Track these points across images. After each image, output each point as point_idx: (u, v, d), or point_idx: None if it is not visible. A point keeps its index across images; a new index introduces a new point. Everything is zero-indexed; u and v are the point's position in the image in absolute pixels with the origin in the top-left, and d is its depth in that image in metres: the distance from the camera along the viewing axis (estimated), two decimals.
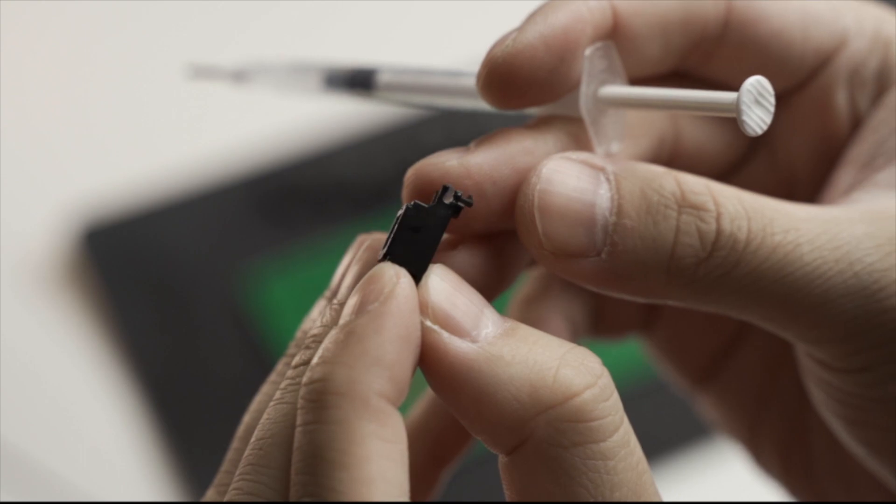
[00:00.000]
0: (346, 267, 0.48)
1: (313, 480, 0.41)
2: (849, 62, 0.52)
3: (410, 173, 0.47)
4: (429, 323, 0.44)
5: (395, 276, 0.43)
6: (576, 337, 0.57)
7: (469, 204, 0.46)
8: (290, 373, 0.45)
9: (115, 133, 1.25)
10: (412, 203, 0.46)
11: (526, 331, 0.44)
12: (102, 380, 1.08)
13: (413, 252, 0.45)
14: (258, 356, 1.08)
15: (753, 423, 0.58)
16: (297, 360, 0.45)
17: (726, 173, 0.55)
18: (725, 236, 0.46)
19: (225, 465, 0.46)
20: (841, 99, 0.52)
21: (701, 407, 0.60)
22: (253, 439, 0.44)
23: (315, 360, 0.42)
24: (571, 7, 0.48)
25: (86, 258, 1.14)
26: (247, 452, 0.43)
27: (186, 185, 1.18)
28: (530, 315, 0.55)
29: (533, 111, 0.50)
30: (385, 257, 0.45)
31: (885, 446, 0.50)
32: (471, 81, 0.50)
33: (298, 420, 0.42)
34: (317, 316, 0.47)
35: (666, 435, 1.02)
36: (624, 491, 0.43)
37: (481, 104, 0.50)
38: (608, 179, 0.47)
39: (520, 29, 0.48)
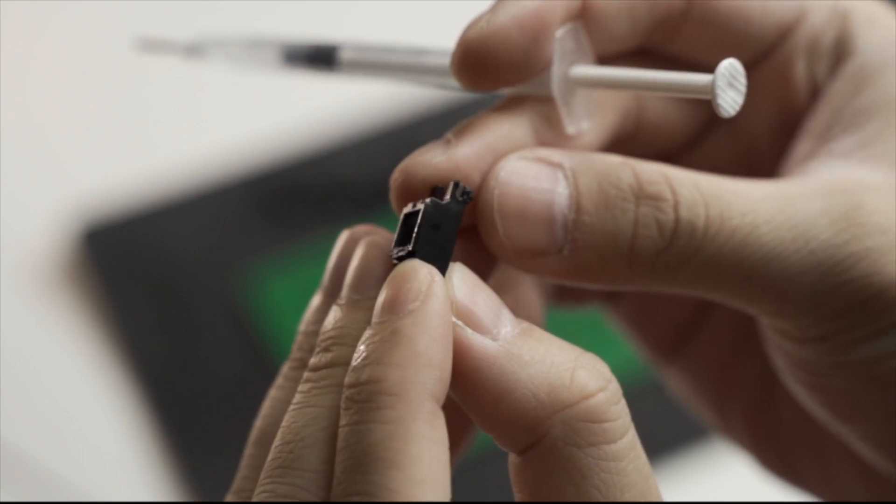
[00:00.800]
0: (338, 261, 0.48)
1: (365, 479, 0.41)
2: (807, 34, 0.52)
3: (398, 174, 0.48)
4: (453, 318, 0.44)
5: (430, 275, 0.44)
6: (545, 304, 0.57)
7: (471, 197, 0.47)
8: (309, 375, 0.44)
9: (115, 133, 1.25)
10: (430, 200, 0.46)
11: (541, 333, 0.45)
12: (102, 380, 1.08)
13: (435, 250, 0.45)
14: (258, 356, 1.08)
15: (721, 395, 0.59)
16: (315, 361, 0.45)
17: (688, 145, 0.55)
18: (684, 225, 0.47)
19: (242, 472, 0.46)
20: (800, 71, 0.53)
21: (668, 379, 0.61)
22: (278, 443, 0.43)
23: (358, 361, 0.42)
24: None
25: (86, 258, 1.14)
26: (272, 456, 0.43)
27: (186, 185, 1.18)
28: (504, 279, 0.55)
29: (504, 91, 0.50)
30: (412, 255, 0.45)
31: (845, 409, 0.52)
32: (436, 59, 0.51)
33: (344, 421, 0.42)
34: (313, 313, 0.47)
35: (666, 435, 1.02)
36: (633, 492, 0.43)
37: (446, 82, 0.50)
38: (566, 176, 0.48)
39: (493, 11, 0.49)
